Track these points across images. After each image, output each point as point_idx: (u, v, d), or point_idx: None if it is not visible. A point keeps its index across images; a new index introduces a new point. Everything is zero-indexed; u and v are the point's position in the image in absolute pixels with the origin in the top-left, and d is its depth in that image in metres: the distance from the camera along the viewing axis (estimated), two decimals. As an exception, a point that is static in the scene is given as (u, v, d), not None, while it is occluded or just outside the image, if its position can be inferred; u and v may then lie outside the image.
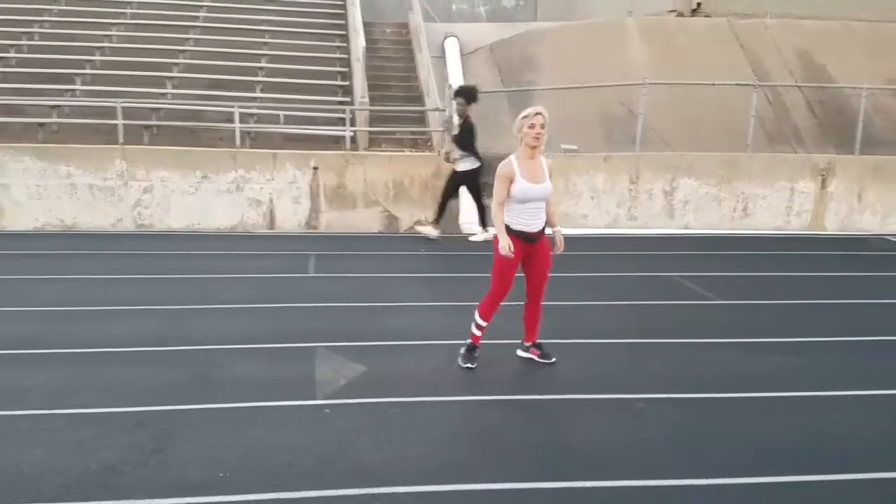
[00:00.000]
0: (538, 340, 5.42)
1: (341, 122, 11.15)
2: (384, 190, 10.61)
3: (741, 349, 5.87)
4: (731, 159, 11.02)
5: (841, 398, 4.94)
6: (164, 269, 8.21)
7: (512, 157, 4.99)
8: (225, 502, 3.56)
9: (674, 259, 9.10)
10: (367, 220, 10.64)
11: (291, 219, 10.55)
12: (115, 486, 3.67)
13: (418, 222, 10.38)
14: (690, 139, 11.43)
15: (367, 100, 11.74)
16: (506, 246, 4.89)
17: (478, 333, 5.29)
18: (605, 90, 11.57)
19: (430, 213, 10.20)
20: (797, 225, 11.05)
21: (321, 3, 15.69)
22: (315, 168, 10.47)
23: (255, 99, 12.01)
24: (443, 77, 12.89)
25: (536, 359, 5.39)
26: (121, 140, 10.28)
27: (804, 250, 9.90)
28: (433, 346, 5.79)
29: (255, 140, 11.18)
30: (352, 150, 10.89)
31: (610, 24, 14.17)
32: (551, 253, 5.17)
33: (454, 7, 20.18)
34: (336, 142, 11.24)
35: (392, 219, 10.66)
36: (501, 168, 4.97)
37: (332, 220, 10.57)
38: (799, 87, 12.83)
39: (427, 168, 10.66)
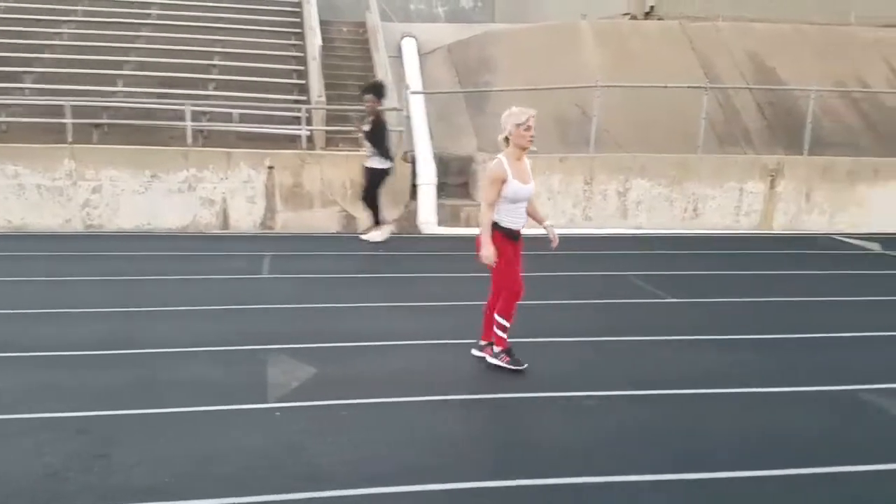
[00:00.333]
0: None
1: (297, 121, 11.06)
2: (342, 189, 10.56)
3: (692, 346, 5.98)
4: (683, 161, 11.21)
5: (792, 394, 5.05)
6: (113, 270, 8.06)
7: (501, 158, 5.00)
8: (171, 508, 3.51)
9: (627, 258, 9.23)
10: (324, 220, 10.58)
11: (246, 219, 10.43)
12: (60, 491, 3.59)
13: (363, 232, 10.00)
14: (643, 141, 11.59)
15: (323, 99, 11.66)
16: (490, 254, 4.95)
17: (504, 336, 5.26)
18: (560, 92, 11.67)
19: (368, 222, 9.85)
20: (746, 225, 11.29)
21: (277, 1, 15.54)
22: (270, 167, 10.37)
23: (208, 97, 11.85)
24: (400, 77, 12.88)
25: (489, 359, 5.40)
26: (70, 139, 10.06)
27: (753, 249, 10.11)
28: (388, 346, 5.78)
29: (209, 139, 11.03)
30: (308, 149, 10.82)
31: (565, 26, 14.29)
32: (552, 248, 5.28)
33: (412, 7, 20.14)
34: (292, 141, 11.15)
35: (350, 219, 10.60)
36: (494, 170, 4.97)
37: (289, 220, 10.49)
38: (749, 89, 13.09)
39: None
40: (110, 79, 11.94)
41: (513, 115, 4.94)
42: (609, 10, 15.40)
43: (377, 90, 9.66)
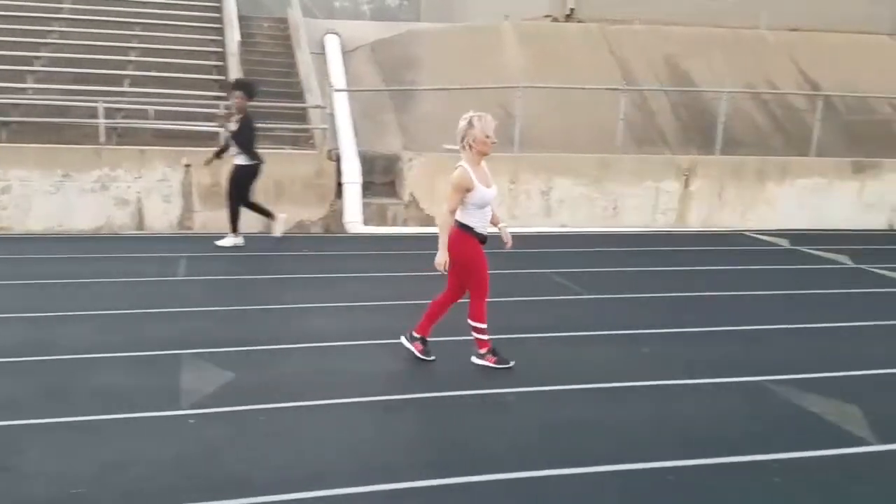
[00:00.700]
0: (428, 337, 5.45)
1: (216, 118, 10.81)
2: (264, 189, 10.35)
3: (609, 341, 6.13)
4: (603, 161, 11.47)
5: (705, 385, 5.22)
6: (22, 274, 7.73)
7: (464, 165, 5.00)
8: (77, 521, 3.39)
9: (549, 256, 9.39)
10: (245, 220, 10.34)
11: (162, 219, 10.15)
12: (-46, 509, 3.43)
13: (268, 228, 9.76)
14: (565, 141, 11.80)
15: (243, 95, 11.41)
16: (442, 263, 5.01)
17: (485, 338, 5.31)
18: (484, 92, 11.76)
19: (272, 222, 9.58)
20: (663, 222, 11.63)
21: (196, -5, 15.16)
22: (188, 166, 10.10)
23: (123, 93, 11.46)
24: (323, 74, 12.75)
25: (418, 354, 5.41)
26: (-26, 138, 9.60)
27: (669, 246, 10.44)
28: (310, 349, 5.72)
29: (123, 136, 10.68)
30: (228, 147, 10.57)
31: (488, 27, 14.43)
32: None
33: (337, 4, 20.06)
34: (212, 138, 10.87)
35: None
36: (460, 178, 4.97)
37: (208, 221, 10.22)
38: (664, 90, 13.49)
39: (309, 166, 10.52)
40: (20, 75, 11.43)
41: (485, 123, 4.94)
42: (531, 12, 15.63)
43: (247, 87, 9.24)
